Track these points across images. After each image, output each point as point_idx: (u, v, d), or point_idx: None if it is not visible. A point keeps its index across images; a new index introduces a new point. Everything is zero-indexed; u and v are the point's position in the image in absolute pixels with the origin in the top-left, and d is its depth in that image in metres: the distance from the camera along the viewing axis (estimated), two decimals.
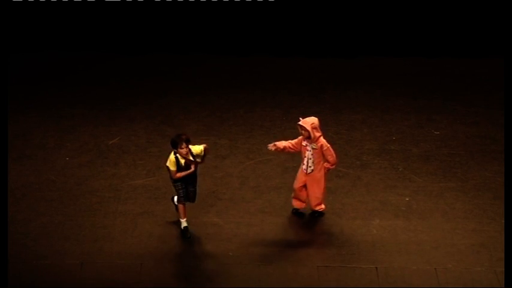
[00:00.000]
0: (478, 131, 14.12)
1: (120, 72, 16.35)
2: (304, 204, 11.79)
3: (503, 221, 11.34)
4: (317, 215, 11.75)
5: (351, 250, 11.06)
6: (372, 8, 17.00)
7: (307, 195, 11.69)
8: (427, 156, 13.34)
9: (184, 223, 11.49)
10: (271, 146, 11.55)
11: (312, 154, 11.46)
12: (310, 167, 11.50)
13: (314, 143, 11.40)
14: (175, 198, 11.53)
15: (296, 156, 13.38)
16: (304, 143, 11.48)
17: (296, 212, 11.84)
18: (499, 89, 14.88)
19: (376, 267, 10.74)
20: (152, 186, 12.45)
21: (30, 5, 16.68)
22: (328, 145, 11.45)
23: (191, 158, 11.16)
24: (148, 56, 16.98)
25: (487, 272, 10.66)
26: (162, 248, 11.10)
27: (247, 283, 10.51)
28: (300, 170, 11.67)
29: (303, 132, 11.43)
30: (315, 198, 11.64)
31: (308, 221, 11.65)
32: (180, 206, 11.44)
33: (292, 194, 11.81)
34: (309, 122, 11.41)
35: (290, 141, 11.60)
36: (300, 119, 11.49)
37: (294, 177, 12.77)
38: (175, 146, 11.16)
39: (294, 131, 14.18)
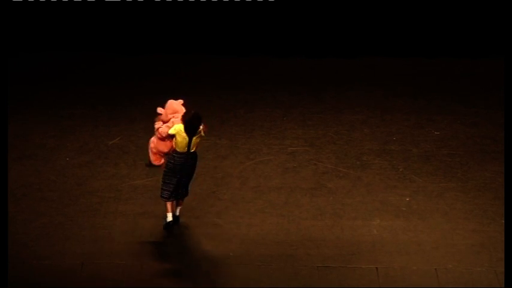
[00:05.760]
0: (478, 131, 14.12)
1: (120, 72, 16.33)
2: None
3: (503, 221, 11.34)
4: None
5: (351, 250, 11.06)
6: (372, 8, 16.99)
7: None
8: (427, 157, 13.34)
9: (169, 217, 11.33)
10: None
11: None
12: None
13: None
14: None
15: (297, 156, 13.40)
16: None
17: None
18: (499, 89, 14.85)
19: (377, 268, 10.74)
20: (153, 186, 12.42)
21: (30, 5, 16.67)
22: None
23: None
24: (148, 56, 16.96)
25: (487, 272, 10.66)
26: (162, 249, 11.10)
27: (247, 283, 10.50)
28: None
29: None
30: None
31: (308, 222, 11.65)
32: (168, 203, 11.38)
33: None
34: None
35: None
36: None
37: (294, 177, 12.79)
38: (199, 121, 10.99)
39: (294, 131, 14.23)
